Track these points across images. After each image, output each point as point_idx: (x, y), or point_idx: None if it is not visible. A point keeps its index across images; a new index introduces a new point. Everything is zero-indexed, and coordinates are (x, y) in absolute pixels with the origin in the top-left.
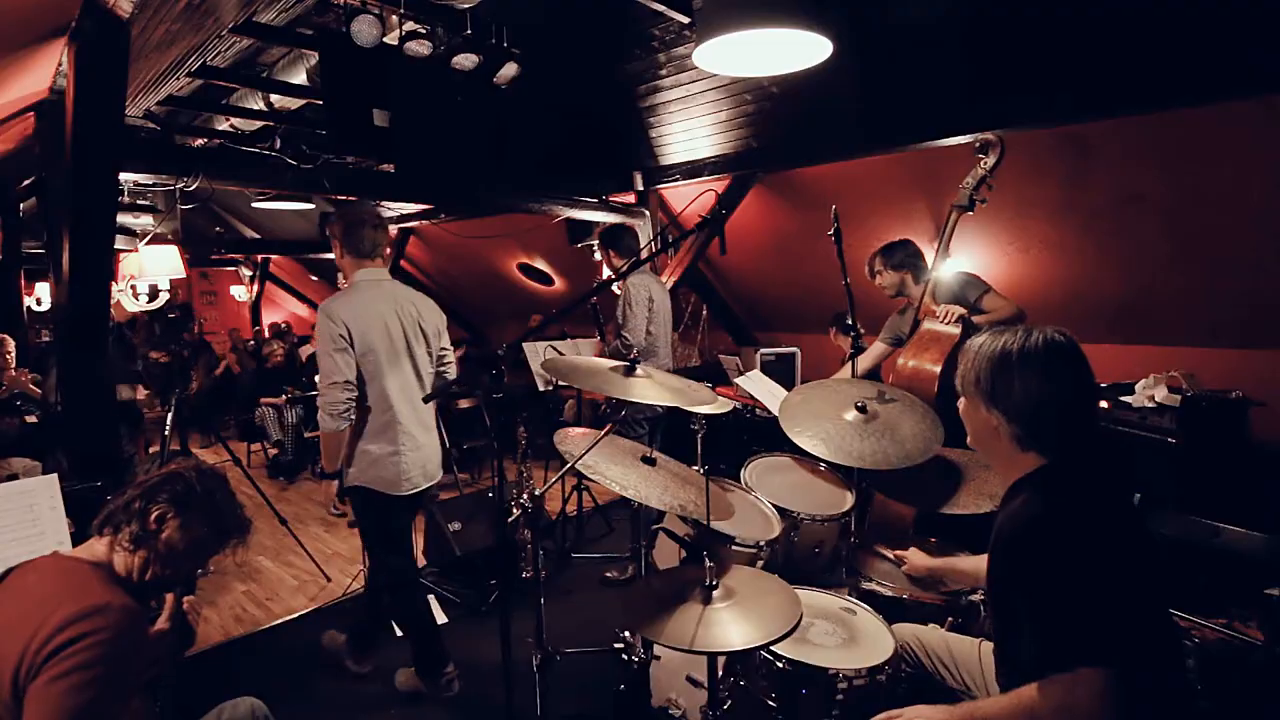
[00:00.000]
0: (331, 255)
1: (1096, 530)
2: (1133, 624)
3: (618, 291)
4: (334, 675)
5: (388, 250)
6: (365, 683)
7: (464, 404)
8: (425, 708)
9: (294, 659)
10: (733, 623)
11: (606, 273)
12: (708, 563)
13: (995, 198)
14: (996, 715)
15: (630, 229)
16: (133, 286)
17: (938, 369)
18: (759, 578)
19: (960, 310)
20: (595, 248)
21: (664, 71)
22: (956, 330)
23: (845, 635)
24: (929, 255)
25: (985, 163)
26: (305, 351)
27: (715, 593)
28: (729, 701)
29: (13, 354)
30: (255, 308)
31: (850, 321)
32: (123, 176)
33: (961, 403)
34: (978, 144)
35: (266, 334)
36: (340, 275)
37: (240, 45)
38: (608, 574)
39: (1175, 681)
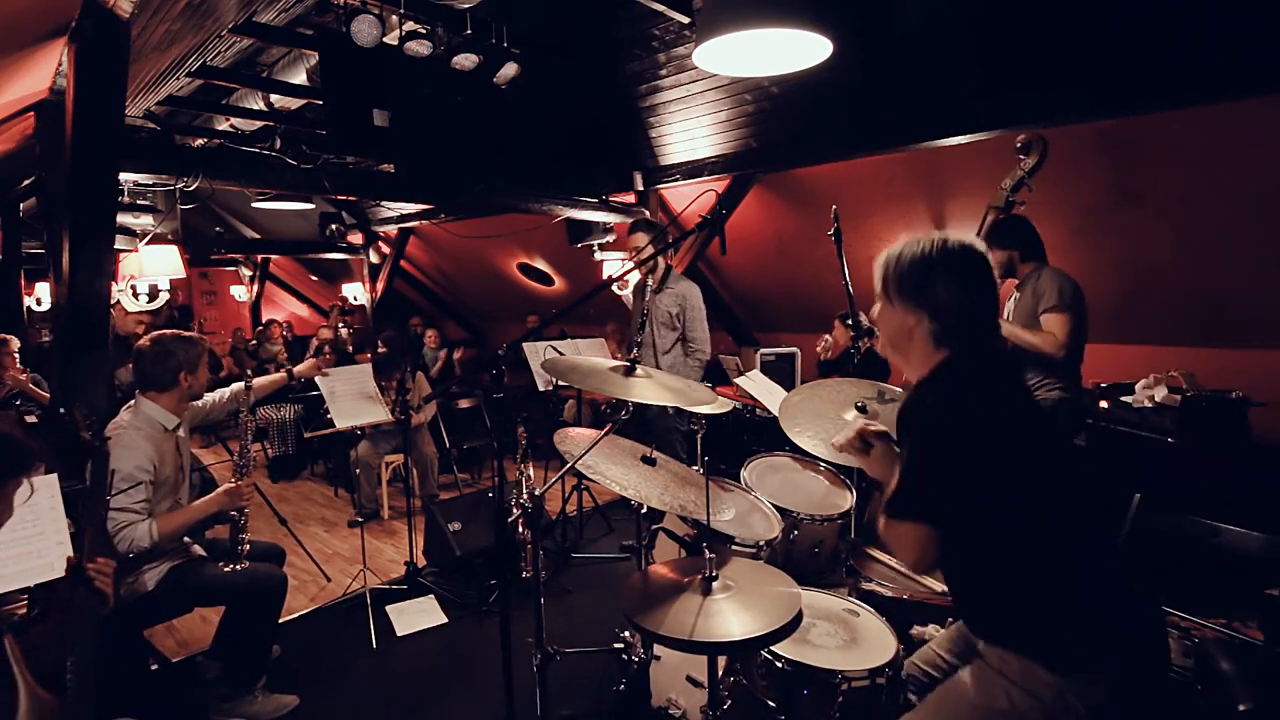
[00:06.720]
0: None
1: (965, 407)
2: (974, 493)
3: (617, 291)
4: (334, 676)
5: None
6: (366, 684)
7: (464, 404)
8: (425, 709)
9: (294, 659)
10: (733, 613)
11: (607, 272)
12: (708, 554)
13: (991, 196)
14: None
15: None
16: (133, 286)
17: None
18: (759, 569)
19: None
20: (641, 239)
21: (664, 71)
22: None
23: (847, 637)
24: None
25: (1025, 163)
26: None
27: (715, 584)
28: (729, 701)
29: (16, 354)
30: (255, 308)
31: (852, 319)
32: (123, 176)
33: (878, 306)
34: (1019, 143)
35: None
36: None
37: (240, 45)
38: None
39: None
